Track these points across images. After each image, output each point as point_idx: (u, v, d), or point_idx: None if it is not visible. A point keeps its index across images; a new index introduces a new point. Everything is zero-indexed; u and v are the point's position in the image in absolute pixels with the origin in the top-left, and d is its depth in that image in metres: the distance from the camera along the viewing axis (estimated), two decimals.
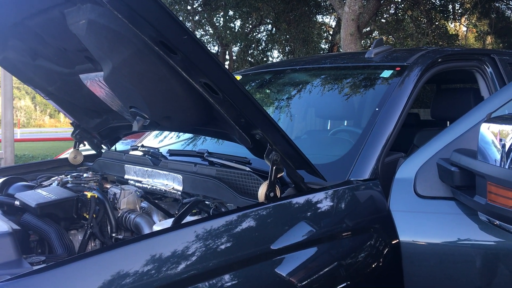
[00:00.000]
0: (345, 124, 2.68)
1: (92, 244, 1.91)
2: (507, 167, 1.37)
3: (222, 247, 1.34)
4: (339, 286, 1.50)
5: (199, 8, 13.98)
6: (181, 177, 1.94)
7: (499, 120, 1.45)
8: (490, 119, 1.48)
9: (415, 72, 2.14)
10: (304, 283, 1.41)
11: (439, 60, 2.28)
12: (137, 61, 1.48)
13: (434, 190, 1.69)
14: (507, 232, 1.45)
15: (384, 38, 12.81)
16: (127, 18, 1.29)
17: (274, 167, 1.57)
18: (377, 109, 2.01)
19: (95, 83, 1.93)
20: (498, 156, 1.40)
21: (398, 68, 2.24)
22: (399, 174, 1.75)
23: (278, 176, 1.60)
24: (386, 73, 2.26)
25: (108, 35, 1.44)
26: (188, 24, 13.56)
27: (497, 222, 1.45)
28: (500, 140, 1.40)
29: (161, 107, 1.65)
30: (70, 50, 1.82)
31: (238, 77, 2.98)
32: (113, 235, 1.90)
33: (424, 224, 1.67)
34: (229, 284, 1.29)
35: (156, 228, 1.66)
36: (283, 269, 1.40)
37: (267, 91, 2.80)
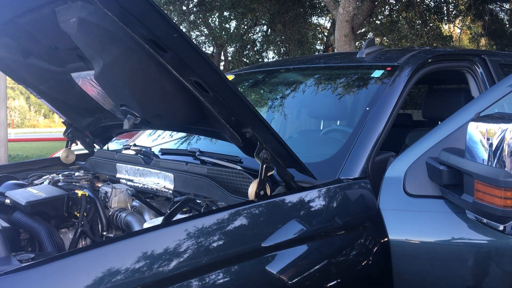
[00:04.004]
0: (337, 123, 2.69)
1: (83, 243, 1.90)
2: (494, 165, 1.38)
3: (213, 244, 1.35)
4: (329, 284, 1.51)
5: (194, 9, 13.97)
6: (173, 175, 1.94)
7: (487, 119, 1.46)
8: (478, 118, 1.50)
9: (406, 72, 2.15)
10: (294, 280, 1.42)
11: (430, 60, 2.29)
12: (128, 59, 1.48)
13: (423, 189, 1.70)
14: (494, 230, 1.47)
15: (378, 39, 12.87)
16: (118, 16, 1.30)
17: (264, 165, 1.58)
18: (367, 108, 2.02)
19: (87, 81, 1.93)
20: (486, 155, 1.41)
21: (389, 68, 2.25)
22: (388, 173, 1.76)
23: (268, 174, 1.61)
24: (377, 73, 2.27)
25: (99, 33, 1.44)
26: (183, 25, 13.54)
27: (485, 220, 1.46)
28: (488, 139, 1.42)
29: (152, 105, 1.65)
30: (61, 49, 1.82)
31: (231, 77, 2.98)
32: (104, 233, 1.89)
33: (413, 222, 1.68)
34: (219, 281, 1.30)
35: (146, 226, 1.66)
36: (274, 267, 1.40)
37: (260, 91, 2.81)
